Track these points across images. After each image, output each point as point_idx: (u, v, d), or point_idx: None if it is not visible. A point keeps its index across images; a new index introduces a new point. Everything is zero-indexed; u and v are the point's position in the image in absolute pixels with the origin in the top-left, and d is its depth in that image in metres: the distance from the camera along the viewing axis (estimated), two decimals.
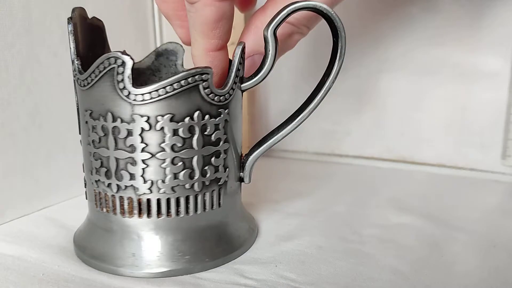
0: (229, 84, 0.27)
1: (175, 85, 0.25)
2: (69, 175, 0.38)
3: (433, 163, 0.46)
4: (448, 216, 0.34)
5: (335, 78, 0.29)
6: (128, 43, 0.42)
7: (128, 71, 0.25)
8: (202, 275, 0.27)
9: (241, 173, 0.30)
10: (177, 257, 0.27)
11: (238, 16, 0.49)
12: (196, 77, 0.25)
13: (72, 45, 0.27)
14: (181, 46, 0.33)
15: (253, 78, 0.29)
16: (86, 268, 0.27)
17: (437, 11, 0.43)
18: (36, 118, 0.35)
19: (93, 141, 0.27)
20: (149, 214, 0.27)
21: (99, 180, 0.27)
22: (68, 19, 0.28)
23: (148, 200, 0.26)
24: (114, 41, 0.32)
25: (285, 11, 0.26)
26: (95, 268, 0.27)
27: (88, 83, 0.26)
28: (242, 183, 0.31)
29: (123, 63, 0.25)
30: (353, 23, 0.34)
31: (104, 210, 0.28)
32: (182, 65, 0.33)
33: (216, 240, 0.28)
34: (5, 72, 0.33)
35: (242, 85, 0.29)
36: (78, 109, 0.28)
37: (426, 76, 0.45)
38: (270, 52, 0.27)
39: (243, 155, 0.31)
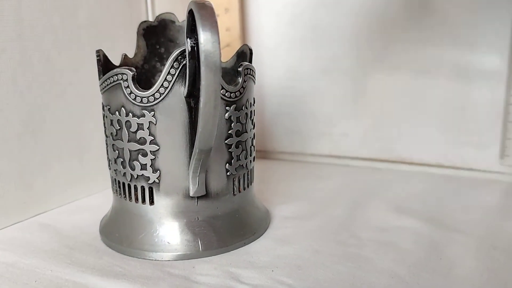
0: (159, 87, 0.28)
1: (105, 80, 0.29)
2: (63, 181, 0.38)
3: (431, 164, 0.46)
4: (447, 218, 0.34)
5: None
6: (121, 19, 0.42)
7: (99, 63, 0.30)
8: (198, 278, 0.26)
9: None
10: (179, 243, 0.29)
11: (234, 18, 0.49)
12: (117, 76, 0.28)
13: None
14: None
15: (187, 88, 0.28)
16: (79, 271, 0.27)
17: (434, 11, 0.42)
18: (29, 124, 0.35)
19: (111, 133, 0.30)
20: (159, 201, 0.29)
21: (117, 169, 0.30)
22: (96, 53, 0.31)
23: (158, 188, 0.29)
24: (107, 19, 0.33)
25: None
26: (113, 249, 0.30)
27: (103, 88, 0.30)
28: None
29: (99, 59, 0.30)
30: (348, 24, 0.34)
31: (122, 197, 0.30)
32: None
33: (221, 230, 0.30)
34: None
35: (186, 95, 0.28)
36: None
37: (423, 76, 0.44)
38: (189, 62, 0.26)
39: None
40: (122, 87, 0.28)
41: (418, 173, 0.45)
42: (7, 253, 0.30)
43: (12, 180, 0.34)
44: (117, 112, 0.29)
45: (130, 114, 0.28)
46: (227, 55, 0.49)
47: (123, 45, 0.42)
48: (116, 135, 0.29)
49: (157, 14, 0.37)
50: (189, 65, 0.27)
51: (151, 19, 0.45)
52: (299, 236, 0.32)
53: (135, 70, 0.28)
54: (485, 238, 0.31)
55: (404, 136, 0.46)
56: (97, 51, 0.31)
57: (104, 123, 0.31)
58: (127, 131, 0.29)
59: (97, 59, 0.30)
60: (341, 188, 0.42)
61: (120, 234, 0.30)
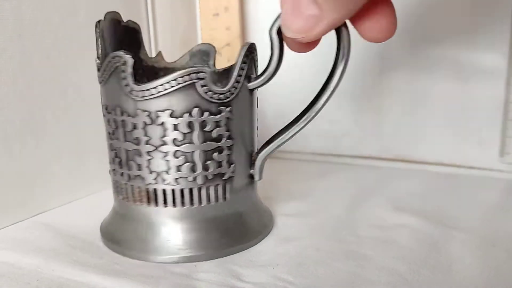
0: (229, 83, 0.28)
1: (172, 83, 0.27)
2: (63, 180, 0.38)
3: (431, 162, 0.46)
4: (447, 215, 0.34)
5: (341, 76, 0.30)
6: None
7: (129, 69, 0.27)
8: (199, 276, 0.26)
9: (252, 170, 0.31)
10: (181, 245, 0.29)
11: (234, 17, 0.49)
12: (192, 75, 0.27)
13: (98, 48, 0.30)
14: (213, 47, 0.35)
15: (259, 78, 0.29)
16: (81, 270, 0.27)
17: (434, 9, 0.42)
18: (29, 123, 0.35)
19: (109, 133, 0.29)
20: (156, 203, 0.29)
21: (115, 169, 0.30)
22: (96, 23, 0.30)
23: (155, 190, 0.28)
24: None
25: None
26: (114, 251, 0.30)
27: (103, 80, 0.29)
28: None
29: (125, 62, 0.27)
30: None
31: (121, 197, 0.30)
32: (214, 65, 0.35)
33: (222, 233, 0.30)
34: None
35: (249, 84, 0.29)
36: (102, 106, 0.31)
37: (423, 74, 0.44)
38: (276, 51, 0.28)
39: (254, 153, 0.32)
40: (196, 87, 0.27)
41: (418, 171, 0.45)
42: (8, 253, 0.30)
43: (13, 179, 0.34)
44: (187, 114, 0.27)
45: (206, 113, 0.28)
46: (228, 55, 0.49)
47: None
48: (183, 140, 0.28)
49: (157, 13, 0.37)
50: (275, 58, 0.28)
51: (151, 19, 0.45)
52: (299, 234, 0.32)
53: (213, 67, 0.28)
54: (485, 236, 0.31)
55: (404, 135, 0.46)
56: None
57: (147, 133, 0.28)
58: (202, 131, 0.28)
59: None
60: (341, 186, 0.42)
61: (127, 238, 0.30)
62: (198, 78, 0.27)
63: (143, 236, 0.29)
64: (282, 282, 0.26)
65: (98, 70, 0.29)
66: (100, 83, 0.30)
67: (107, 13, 0.30)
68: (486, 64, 0.42)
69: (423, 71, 0.44)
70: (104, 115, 0.30)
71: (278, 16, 0.27)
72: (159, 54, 0.35)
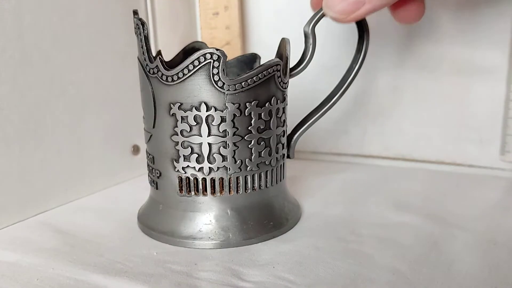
0: (287, 73, 0.32)
1: (259, 75, 0.29)
2: (64, 180, 0.38)
3: (431, 160, 0.46)
4: (448, 214, 0.34)
5: (362, 63, 0.35)
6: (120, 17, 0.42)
7: (223, 65, 0.28)
8: (200, 275, 0.27)
9: (287, 150, 0.35)
10: (262, 224, 0.31)
11: (233, 16, 0.49)
12: (273, 67, 0.30)
13: (147, 47, 0.30)
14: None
15: (297, 68, 0.33)
16: (81, 269, 0.27)
17: (434, 7, 0.42)
18: (29, 123, 0.35)
19: (181, 131, 0.30)
20: (237, 190, 0.31)
21: (188, 166, 0.30)
22: (138, 23, 0.30)
23: (237, 178, 0.30)
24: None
25: (323, 11, 0.32)
26: (187, 247, 0.30)
27: (179, 78, 0.29)
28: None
29: (219, 58, 0.28)
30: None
31: (192, 193, 0.31)
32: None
33: (278, 211, 0.32)
34: None
35: (291, 73, 0.33)
36: (155, 104, 0.30)
37: (424, 72, 0.44)
38: (311, 46, 0.32)
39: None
40: (275, 78, 0.30)
41: (419, 169, 0.45)
42: (8, 252, 0.30)
43: (13, 179, 0.34)
44: (267, 103, 0.30)
45: (278, 101, 0.31)
46: (227, 53, 0.49)
47: (123, 44, 0.42)
48: (263, 128, 0.30)
49: (157, 12, 0.37)
50: (310, 51, 0.33)
51: (150, 19, 0.45)
52: (299, 233, 0.32)
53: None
54: (486, 234, 0.31)
55: (404, 133, 0.46)
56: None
57: (235, 124, 0.29)
58: (276, 118, 0.31)
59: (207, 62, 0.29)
60: (341, 185, 0.42)
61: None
62: (277, 70, 0.30)
63: (223, 225, 0.30)
64: (282, 281, 0.26)
65: (165, 69, 0.29)
66: (169, 81, 0.29)
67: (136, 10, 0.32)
68: (487, 62, 0.42)
69: (424, 70, 0.44)
70: (172, 114, 0.30)
71: (315, 14, 0.32)
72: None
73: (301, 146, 0.50)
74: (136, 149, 0.45)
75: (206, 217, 0.31)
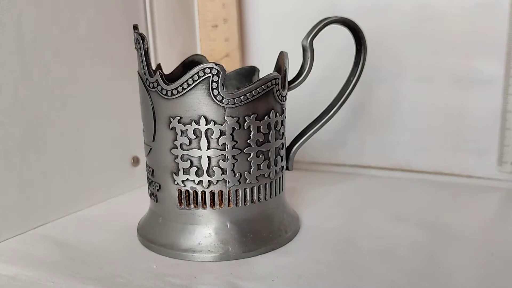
0: (286, 86, 0.33)
1: (258, 89, 0.30)
2: (64, 192, 0.38)
3: (429, 171, 0.46)
4: (446, 225, 0.34)
5: (360, 75, 0.36)
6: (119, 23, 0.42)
7: (222, 79, 0.29)
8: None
9: (286, 162, 0.35)
10: (261, 237, 0.31)
11: (232, 29, 0.49)
12: (272, 81, 0.30)
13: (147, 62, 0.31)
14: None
15: (296, 81, 0.34)
16: (81, 283, 0.27)
17: (431, 18, 0.43)
18: (30, 136, 0.35)
19: (181, 144, 0.30)
20: (237, 203, 0.31)
21: (187, 179, 0.30)
22: (138, 38, 0.31)
23: (236, 191, 0.30)
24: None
25: (321, 24, 0.33)
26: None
27: (178, 92, 0.29)
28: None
29: (218, 72, 0.29)
30: (347, 33, 0.35)
31: (192, 206, 0.31)
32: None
33: (277, 223, 0.33)
34: None
35: (289, 86, 0.34)
36: (154, 118, 0.31)
37: (421, 83, 0.45)
38: (309, 59, 0.33)
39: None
40: (273, 92, 0.31)
41: (417, 180, 0.46)
42: (8, 266, 0.30)
43: (13, 192, 0.34)
44: (266, 116, 0.31)
45: (277, 114, 0.31)
46: (226, 65, 0.50)
47: (123, 57, 0.42)
48: (262, 141, 0.31)
49: (157, 25, 0.37)
50: (308, 65, 0.33)
51: (150, 31, 0.45)
52: (298, 245, 0.32)
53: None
54: (484, 245, 0.31)
55: (402, 144, 0.47)
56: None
57: (233, 138, 0.30)
58: (275, 131, 0.31)
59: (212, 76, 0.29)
60: (340, 196, 0.42)
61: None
62: (275, 84, 0.31)
63: (222, 238, 0.31)
64: None
65: (165, 83, 0.29)
66: (169, 95, 0.29)
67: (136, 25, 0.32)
68: (484, 73, 0.42)
69: (421, 81, 0.44)
70: (172, 128, 0.30)
71: (313, 27, 0.32)
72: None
73: (300, 157, 0.51)
74: (135, 161, 0.45)
75: (206, 230, 0.31)
